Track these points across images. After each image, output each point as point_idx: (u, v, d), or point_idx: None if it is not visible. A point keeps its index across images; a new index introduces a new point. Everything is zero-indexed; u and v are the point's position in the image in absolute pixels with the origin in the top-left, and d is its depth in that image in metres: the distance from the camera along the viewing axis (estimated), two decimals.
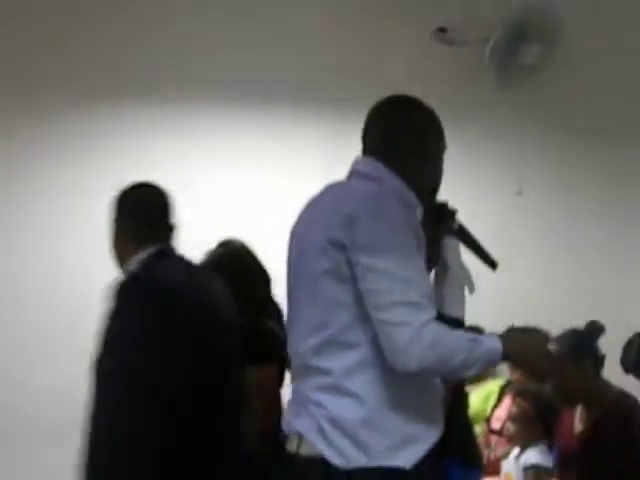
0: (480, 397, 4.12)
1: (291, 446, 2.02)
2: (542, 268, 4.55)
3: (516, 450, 3.27)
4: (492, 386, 4.16)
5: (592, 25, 4.57)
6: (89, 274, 3.88)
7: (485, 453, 3.67)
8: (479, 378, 4.06)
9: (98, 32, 4.35)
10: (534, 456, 3.11)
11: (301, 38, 4.49)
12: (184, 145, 4.41)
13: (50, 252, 4.21)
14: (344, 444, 1.93)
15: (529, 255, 4.58)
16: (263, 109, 4.47)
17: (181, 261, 2.54)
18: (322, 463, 1.95)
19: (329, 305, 1.97)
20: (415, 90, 3.87)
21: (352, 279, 1.93)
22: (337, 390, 1.96)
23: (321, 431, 1.95)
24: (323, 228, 1.98)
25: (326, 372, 1.98)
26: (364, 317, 1.94)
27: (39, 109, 4.32)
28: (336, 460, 1.92)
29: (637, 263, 4.76)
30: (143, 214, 2.48)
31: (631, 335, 3.03)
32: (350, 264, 1.93)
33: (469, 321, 2.21)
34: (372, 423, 1.95)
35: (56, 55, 4.31)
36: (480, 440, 3.69)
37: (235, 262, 3.07)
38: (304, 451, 1.99)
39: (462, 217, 2.43)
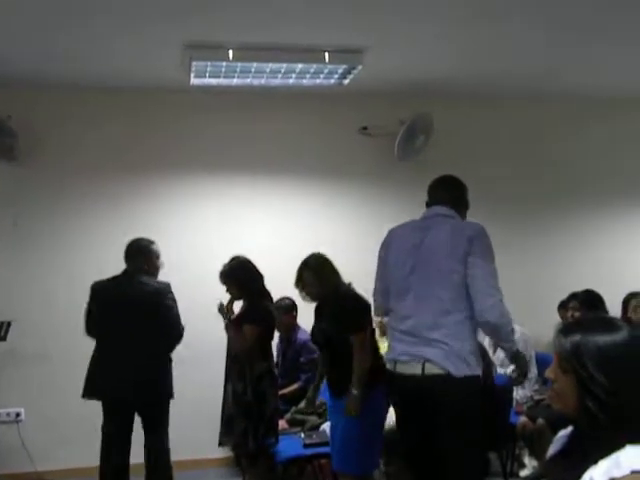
0: None
1: (414, 368, 3.33)
2: None
3: None
4: None
5: (451, 124, 6.55)
6: None
7: None
8: None
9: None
10: None
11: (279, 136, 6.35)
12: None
13: None
14: (459, 363, 3.26)
15: None
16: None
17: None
18: (446, 375, 3.24)
19: (449, 287, 3.31)
20: (350, 166, 6.23)
21: (464, 275, 3.28)
22: (453, 335, 3.30)
23: (447, 357, 3.26)
24: (453, 243, 3.34)
25: (445, 325, 3.31)
26: (466, 295, 3.29)
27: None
28: (454, 371, 3.24)
29: None
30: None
31: None
32: (466, 263, 3.29)
33: None
34: (473, 352, 3.32)
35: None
36: None
37: (244, 266, 4.55)
38: (430, 370, 3.28)
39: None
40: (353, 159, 6.52)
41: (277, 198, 6.40)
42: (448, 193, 3.66)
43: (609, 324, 1.75)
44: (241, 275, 4.46)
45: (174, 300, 4.65)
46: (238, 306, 4.70)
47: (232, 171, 6.32)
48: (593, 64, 5.95)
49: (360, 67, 5.44)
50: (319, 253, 4.22)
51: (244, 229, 6.25)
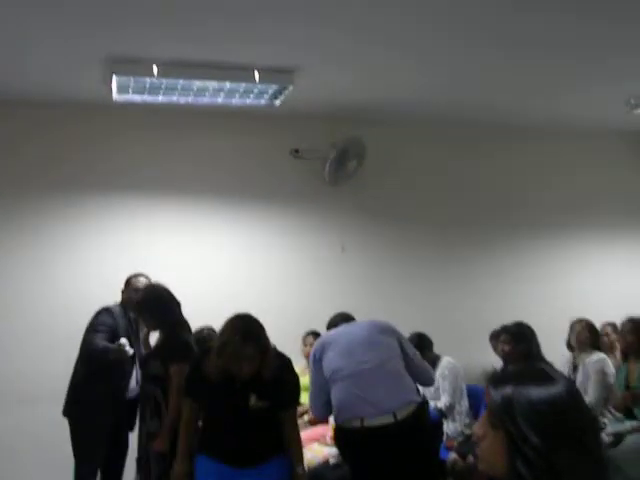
0: None
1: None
2: None
3: None
4: None
5: (385, 151, 6.46)
6: None
7: None
8: None
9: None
10: None
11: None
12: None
13: None
14: None
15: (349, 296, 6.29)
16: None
17: None
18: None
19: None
20: (280, 187, 6.05)
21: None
22: None
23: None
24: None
25: None
26: None
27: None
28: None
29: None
30: None
31: None
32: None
33: None
34: None
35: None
36: None
37: (159, 294, 4.27)
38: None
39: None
40: (284, 182, 6.34)
41: (203, 221, 6.15)
42: None
43: (543, 376, 1.57)
44: (155, 304, 4.17)
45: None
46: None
47: (155, 192, 6.04)
48: (526, 93, 5.91)
49: (291, 87, 5.27)
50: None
51: (167, 253, 5.97)
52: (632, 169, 7.32)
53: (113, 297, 4.88)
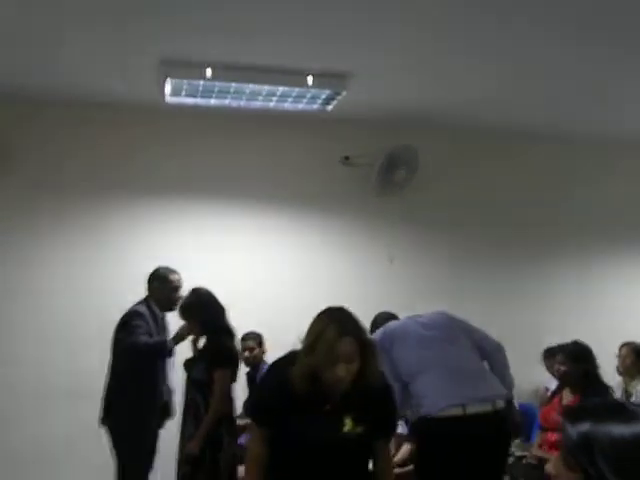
0: None
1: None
2: None
3: None
4: None
5: (439, 161, 6.32)
6: None
7: None
8: None
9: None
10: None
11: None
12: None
13: None
14: None
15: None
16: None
17: None
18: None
19: None
20: (329, 196, 5.94)
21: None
22: None
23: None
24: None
25: None
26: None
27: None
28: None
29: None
30: None
31: None
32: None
33: None
34: None
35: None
36: None
37: (205, 300, 4.24)
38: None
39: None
40: (333, 190, 6.22)
41: (253, 227, 6.06)
42: None
43: (624, 411, 1.42)
44: (202, 310, 4.10)
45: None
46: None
47: (206, 197, 5.99)
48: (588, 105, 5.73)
49: (344, 93, 5.16)
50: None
51: (218, 257, 5.90)
52: None
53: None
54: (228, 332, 4.18)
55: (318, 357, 2.55)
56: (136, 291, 4.75)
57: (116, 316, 4.58)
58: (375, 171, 6.08)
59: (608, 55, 4.68)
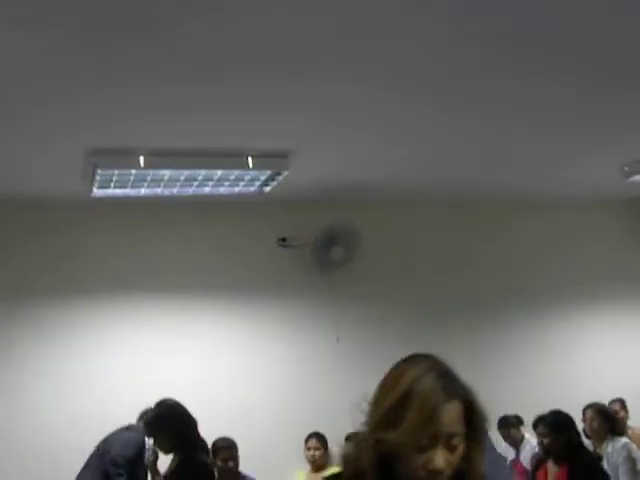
0: None
1: None
2: None
3: None
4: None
5: (379, 235, 6.15)
6: None
7: None
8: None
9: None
10: None
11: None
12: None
13: None
14: None
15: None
16: None
17: None
18: None
19: None
20: (269, 279, 5.66)
21: None
22: None
23: None
24: None
25: None
26: None
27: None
28: None
29: None
30: None
31: None
32: None
33: None
34: None
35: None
36: None
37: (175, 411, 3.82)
38: None
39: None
40: (271, 273, 6.00)
41: (187, 319, 5.77)
42: None
43: None
44: (172, 423, 3.69)
45: None
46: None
47: (134, 293, 5.67)
48: (519, 166, 5.73)
49: (286, 173, 4.95)
50: None
51: (153, 359, 5.54)
52: (631, 236, 7.11)
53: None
54: (201, 447, 3.78)
55: (404, 432, 1.46)
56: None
57: None
58: (310, 250, 5.95)
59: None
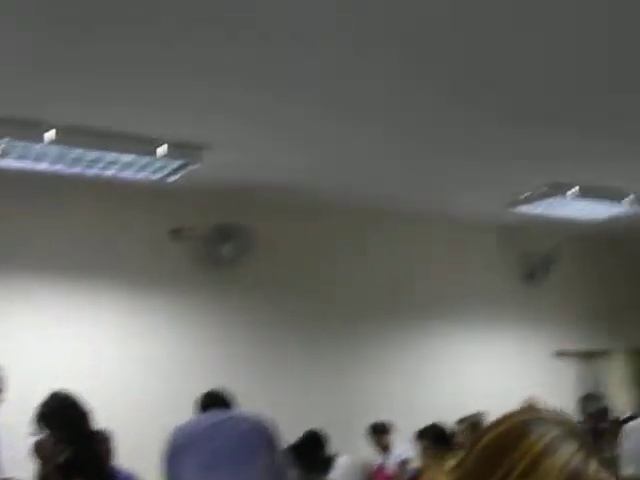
0: None
1: None
2: None
3: None
4: None
5: (274, 236, 6.16)
6: None
7: None
8: None
9: None
10: None
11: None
12: None
13: None
14: None
15: None
16: None
17: None
18: None
19: None
20: (157, 265, 5.53)
21: None
22: None
23: None
24: None
25: None
26: None
27: None
28: None
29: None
30: None
31: None
32: None
33: None
34: None
35: None
36: None
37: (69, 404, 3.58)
38: None
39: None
40: (164, 264, 5.90)
41: (83, 305, 5.58)
42: None
43: None
44: (67, 416, 3.53)
45: None
46: None
47: (20, 273, 5.39)
48: (411, 182, 5.97)
49: (197, 165, 4.90)
50: None
51: (32, 345, 5.30)
52: (502, 262, 7.52)
53: None
54: (95, 437, 3.65)
55: None
56: None
57: None
58: (202, 243, 5.96)
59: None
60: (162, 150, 4.67)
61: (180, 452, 3.42)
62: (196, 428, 3.60)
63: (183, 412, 5.42)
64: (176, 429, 3.55)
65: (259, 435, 3.46)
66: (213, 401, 3.90)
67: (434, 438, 4.60)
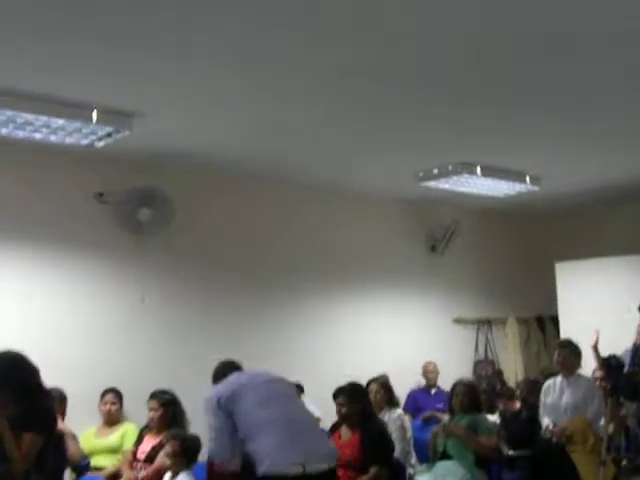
0: (119, 435, 5.46)
1: None
2: None
3: (168, 475, 4.42)
4: (127, 427, 5.51)
5: (197, 202, 6.41)
6: None
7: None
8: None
9: None
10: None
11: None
12: None
13: None
14: None
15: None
16: None
17: None
18: None
19: None
20: (79, 229, 5.54)
21: None
22: None
23: None
24: None
25: None
26: None
27: None
28: None
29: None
30: None
31: None
32: None
33: None
34: None
35: None
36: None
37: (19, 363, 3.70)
38: None
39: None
40: (86, 227, 5.99)
41: (10, 265, 5.62)
42: None
43: None
44: (17, 375, 3.62)
45: None
46: None
47: None
48: (325, 152, 6.21)
49: (127, 132, 5.01)
50: None
51: None
52: (408, 233, 7.95)
53: None
54: (44, 393, 3.77)
55: None
56: None
57: None
58: (121, 207, 6.05)
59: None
60: (93, 115, 4.76)
61: (233, 398, 3.88)
62: (240, 380, 4.09)
63: (97, 375, 5.69)
64: (235, 376, 4.14)
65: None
66: (232, 368, 4.38)
67: (351, 396, 4.94)
